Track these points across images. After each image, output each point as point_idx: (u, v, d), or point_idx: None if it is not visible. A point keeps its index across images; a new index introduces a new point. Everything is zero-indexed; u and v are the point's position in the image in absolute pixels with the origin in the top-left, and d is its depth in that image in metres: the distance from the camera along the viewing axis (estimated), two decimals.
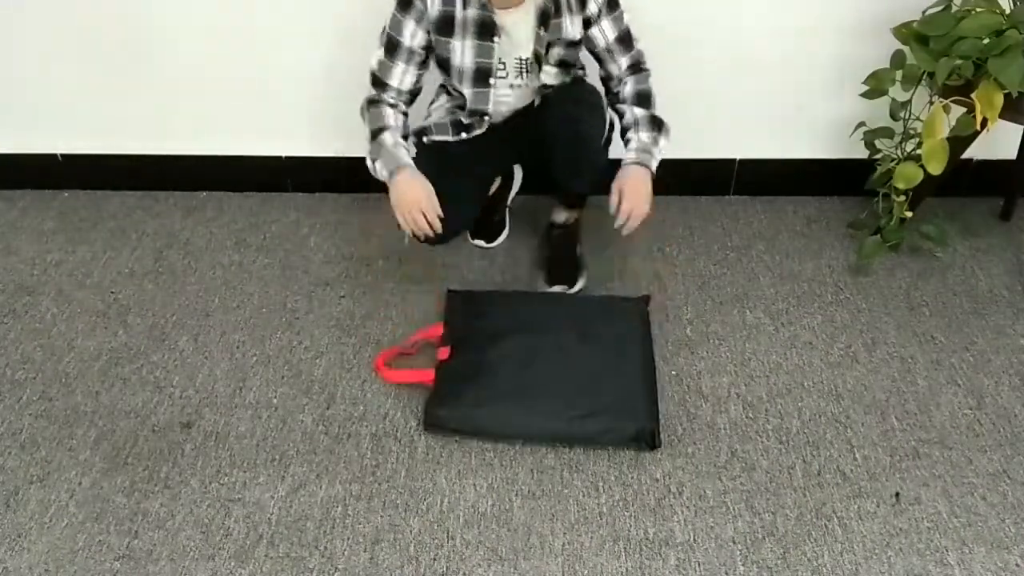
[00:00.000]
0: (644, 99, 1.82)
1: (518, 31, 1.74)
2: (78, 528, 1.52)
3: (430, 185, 1.75)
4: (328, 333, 1.93)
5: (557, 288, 1.98)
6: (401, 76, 1.72)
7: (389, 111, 1.80)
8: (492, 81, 1.80)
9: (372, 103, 1.81)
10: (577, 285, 2.01)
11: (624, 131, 1.83)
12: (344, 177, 2.31)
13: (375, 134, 1.79)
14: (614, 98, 1.84)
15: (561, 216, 2.07)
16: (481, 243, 2.18)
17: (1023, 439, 1.67)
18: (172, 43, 2.16)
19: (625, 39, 1.78)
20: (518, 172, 2.24)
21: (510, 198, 2.24)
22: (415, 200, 1.73)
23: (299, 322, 1.96)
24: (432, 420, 1.68)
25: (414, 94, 1.83)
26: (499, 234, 2.20)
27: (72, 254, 2.18)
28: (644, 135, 1.80)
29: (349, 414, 1.73)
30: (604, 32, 1.75)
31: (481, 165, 1.96)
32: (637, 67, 1.81)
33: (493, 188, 2.20)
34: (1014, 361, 1.85)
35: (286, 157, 2.35)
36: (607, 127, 1.80)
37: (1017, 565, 1.45)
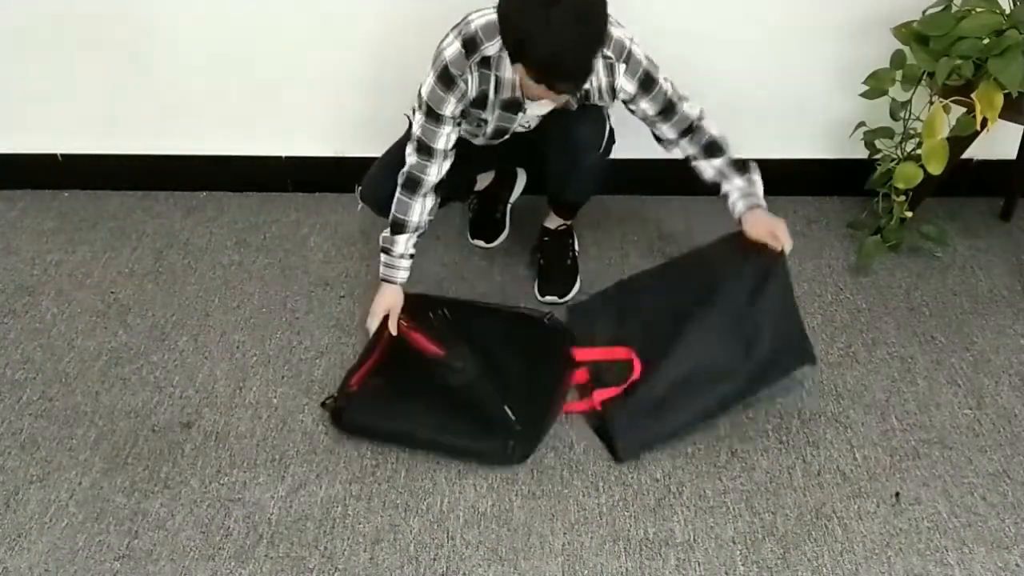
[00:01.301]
0: (714, 148, 1.78)
1: (541, 107, 1.74)
2: (78, 528, 1.52)
3: (401, 300, 1.82)
4: (328, 333, 1.93)
5: (549, 299, 1.98)
6: (446, 138, 1.73)
7: (417, 206, 1.78)
8: (507, 136, 1.84)
9: (410, 184, 1.77)
10: (569, 295, 2.01)
11: (715, 187, 1.81)
12: (344, 177, 2.31)
13: (395, 227, 1.80)
14: (672, 148, 1.80)
15: (553, 222, 2.08)
16: (481, 243, 2.18)
17: (1023, 439, 1.67)
18: (172, 43, 2.16)
19: (667, 110, 1.73)
20: (522, 174, 2.24)
21: (512, 199, 2.24)
22: (384, 308, 1.80)
23: (299, 322, 1.96)
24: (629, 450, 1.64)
25: (455, 147, 1.81)
26: (499, 234, 2.20)
27: (72, 254, 2.18)
28: (738, 181, 1.78)
29: None
30: (644, 109, 1.72)
31: (464, 155, 1.95)
32: (689, 129, 1.76)
33: (484, 184, 2.20)
34: (1014, 361, 1.85)
35: (286, 157, 2.35)
36: (607, 135, 1.79)
37: (1017, 565, 1.46)
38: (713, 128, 1.78)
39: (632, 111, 1.76)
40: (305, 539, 1.50)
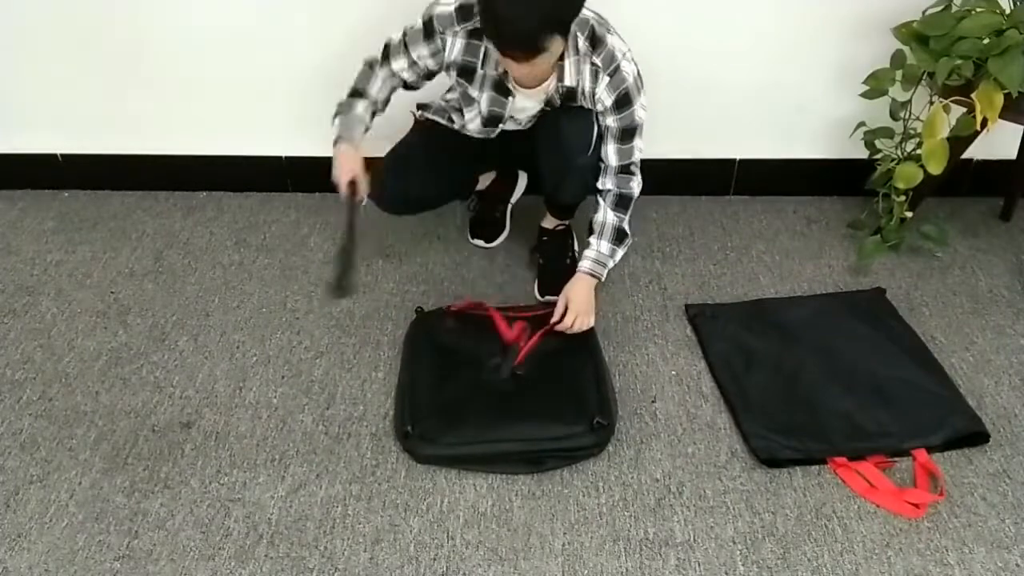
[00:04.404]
0: (623, 203, 1.82)
1: (531, 98, 1.76)
2: (78, 528, 1.52)
3: (361, 160, 1.78)
4: (328, 333, 1.93)
5: (549, 299, 1.98)
6: (401, 68, 1.76)
7: (378, 83, 1.82)
8: (501, 125, 1.84)
9: (370, 66, 1.83)
10: None
11: (591, 224, 1.85)
12: None
13: (354, 92, 1.82)
14: (599, 176, 1.82)
15: (551, 222, 2.08)
16: (481, 243, 2.18)
17: (1023, 439, 1.67)
18: (172, 43, 2.16)
19: (625, 136, 1.75)
20: (522, 175, 2.24)
21: (513, 199, 2.24)
22: (347, 170, 1.76)
23: (299, 322, 1.96)
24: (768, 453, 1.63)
25: (393, 93, 1.85)
26: (499, 234, 2.20)
27: (72, 254, 2.18)
28: (605, 246, 1.84)
29: (349, 414, 1.73)
30: (608, 125, 1.74)
31: (467, 153, 1.96)
32: (626, 168, 1.79)
33: (485, 184, 2.21)
34: (1014, 361, 1.85)
35: (286, 157, 2.35)
36: (595, 138, 1.80)
37: (1017, 565, 1.45)
38: (636, 186, 1.82)
39: (598, 121, 1.76)
40: (305, 539, 1.50)
